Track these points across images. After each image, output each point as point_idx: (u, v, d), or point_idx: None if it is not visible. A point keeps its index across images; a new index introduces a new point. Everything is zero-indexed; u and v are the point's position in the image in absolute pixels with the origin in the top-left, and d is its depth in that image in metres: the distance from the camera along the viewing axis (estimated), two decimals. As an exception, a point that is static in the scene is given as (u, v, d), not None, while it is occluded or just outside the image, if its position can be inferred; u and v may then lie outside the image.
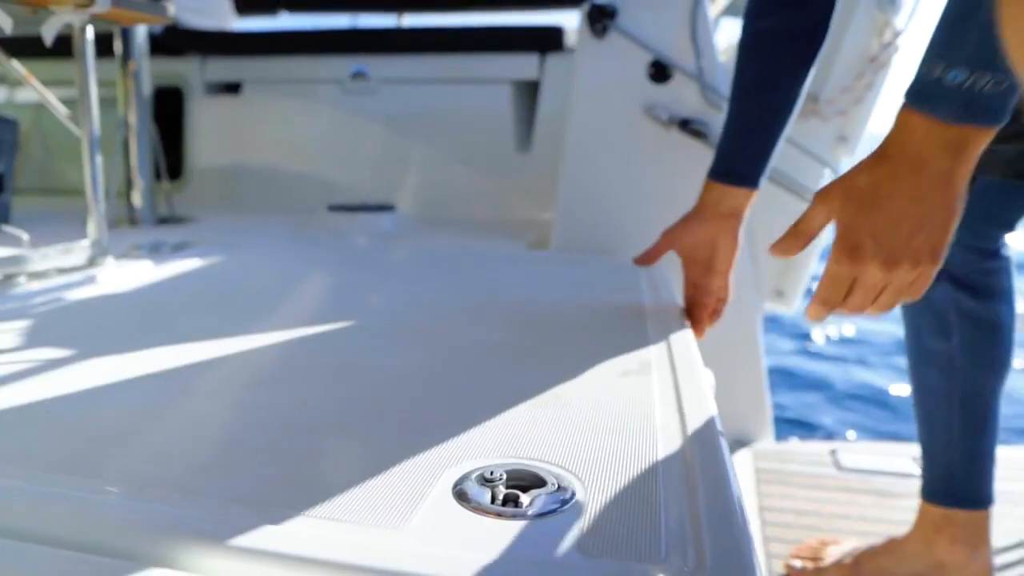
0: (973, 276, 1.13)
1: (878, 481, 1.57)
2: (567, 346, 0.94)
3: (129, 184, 1.89)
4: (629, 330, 1.00)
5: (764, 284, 1.79)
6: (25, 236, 1.28)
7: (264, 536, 0.49)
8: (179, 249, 1.51)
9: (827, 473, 1.60)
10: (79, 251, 1.29)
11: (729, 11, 2.03)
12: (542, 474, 0.58)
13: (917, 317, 1.19)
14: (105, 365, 0.85)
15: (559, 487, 0.56)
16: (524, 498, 0.54)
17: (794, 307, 1.84)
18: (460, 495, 0.55)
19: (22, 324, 1.02)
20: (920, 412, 1.22)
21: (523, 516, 0.52)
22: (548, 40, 2.10)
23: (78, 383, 0.79)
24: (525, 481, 0.58)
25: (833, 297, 0.64)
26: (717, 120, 1.66)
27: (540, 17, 2.39)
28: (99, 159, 1.31)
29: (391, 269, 1.45)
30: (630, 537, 0.50)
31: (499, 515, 0.52)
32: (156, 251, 1.49)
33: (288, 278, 1.35)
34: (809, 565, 1.27)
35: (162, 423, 0.69)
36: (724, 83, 1.69)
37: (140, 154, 1.90)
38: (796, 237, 0.64)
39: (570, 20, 2.18)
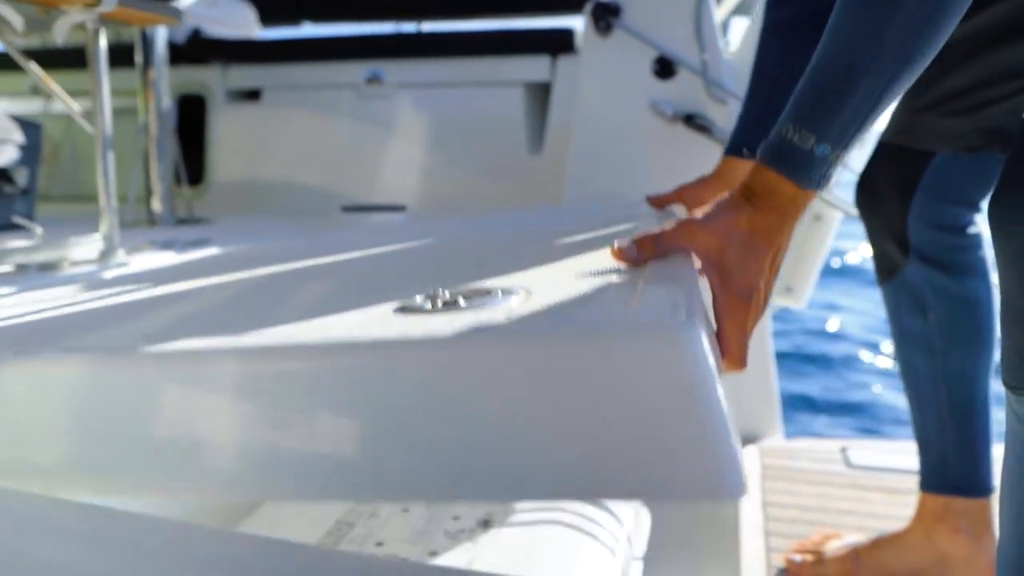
0: (941, 253, 1.13)
1: (889, 478, 1.53)
2: (559, 249, 0.93)
3: (149, 189, 1.95)
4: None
5: (772, 280, 1.77)
6: (39, 230, 1.34)
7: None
8: (193, 246, 1.55)
9: (836, 470, 1.57)
10: (90, 244, 1.33)
11: (739, 10, 2.03)
12: (489, 288, 0.57)
13: (895, 298, 1.19)
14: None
15: (503, 293, 0.55)
16: (464, 302, 0.54)
17: (804, 302, 1.82)
18: (401, 309, 0.55)
19: (30, 296, 1.06)
20: (911, 398, 1.20)
21: (457, 310, 0.52)
22: (559, 42, 2.11)
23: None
24: (472, 296, 0.57)
25: (746, 346, 0.64)
26: (722, 115, 1.66)
27: (551, 21, 2.41)
28: (111, 156, 1.35)
29: (399, 248, 1.48)
30: (564, 312, 0.49)
31: (431, 312, 0.52)
32: (169, 247, 1.53)
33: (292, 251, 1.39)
34: (809, 559, 1.25)
35: None
36: (729, 79, 1.68)
37: (160, 159, 1.96)
38: (654, 247, 0.62)
39: (581, 23, 2.20)
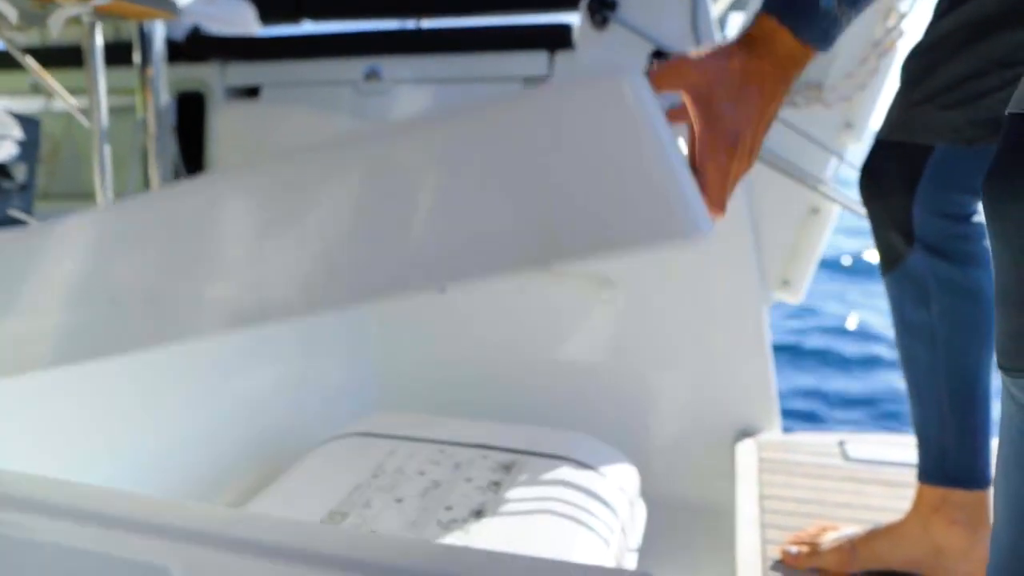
0: (946, 242, 1.12)
1: (887, 471, 1.53)
2: None
3: (147, 186, 1.96)
4: None
5: (769, 273, 1.77)
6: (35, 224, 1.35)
7: None
8: None
9: (833, 463, 1.57)
10: (86, 237, 1.33)
11: (736, 6, 2.03)
12: None
13: (897, 289, 1.18)
14: None
15: None
16: None
17: (801, 296, 1.82)
18: None
19: None
20: (911, 389, 1.19)
21: None
22: (557, 37, 2.11)
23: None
24: None
25: (727, 192, 0.63)
26: (719, 108, 1.65)
27: (549, 17, 2.41)
28: (107, 150, 1.36)
29: None
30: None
31: None
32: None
33: None
34: (805, 550, 1.25)
35: None
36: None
37: (159, 156, 1.96)
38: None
39: (578, 19, 2.20)
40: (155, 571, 0.45)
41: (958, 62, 1.08)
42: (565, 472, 1.21)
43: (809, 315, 6.21)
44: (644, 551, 1.30)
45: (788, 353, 5.28)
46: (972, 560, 1.15)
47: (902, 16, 1.60)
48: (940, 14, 1.10)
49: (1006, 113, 0.60)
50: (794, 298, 1.81)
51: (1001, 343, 0.70)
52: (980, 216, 1.15)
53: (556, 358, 1.86)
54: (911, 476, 1.24)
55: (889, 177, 1.16)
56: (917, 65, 1.14)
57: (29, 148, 1.80)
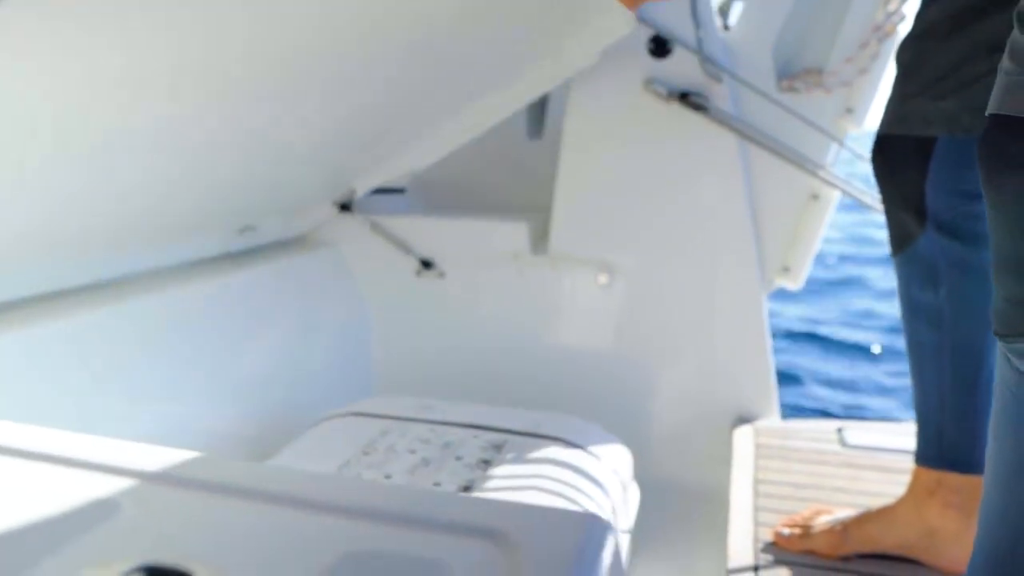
0: (958, 220, 1.10)
1: (884, 458, 1.52)
2: None
3: None
4: None
5: (769, 260, 1.76)
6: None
7: None
8: None
9: (830, 449, 1.56)
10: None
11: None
12: None
13: (907, 270, 1.16)
14: None
15: None
16: None
17: (801, 283, 1.81)
18: None
19: None
20: (913, 371, 1.18)
21: None
22: None
23: None
24: None
25: None
26: (717, 92, 1.65)
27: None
28: None
29: None
30: None
31: None
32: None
33: None
34: (797, 532, 1.24)
35: None
36: (725, 56, 1.68)
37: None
38: None
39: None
40: (105, 506, 0.46)
41: (947, 50, 1.06)
42: (556, 452, 1.21)
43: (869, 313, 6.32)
44: (638, 533, 1.30)
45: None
46: (964, 544, 1.14)
47: (903, 0, 1.59)
48: (927, 1, 1.09)
49: (986, 114, 0.59)
50: (794, 284, 1.80)
51: (998, 309, 0.69)
52: None
53: (555, 344, 1.86)
54: (909, 463, 1.23)
55: (901, 156, 1.15)
56: (909, 55, 1.13)
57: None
